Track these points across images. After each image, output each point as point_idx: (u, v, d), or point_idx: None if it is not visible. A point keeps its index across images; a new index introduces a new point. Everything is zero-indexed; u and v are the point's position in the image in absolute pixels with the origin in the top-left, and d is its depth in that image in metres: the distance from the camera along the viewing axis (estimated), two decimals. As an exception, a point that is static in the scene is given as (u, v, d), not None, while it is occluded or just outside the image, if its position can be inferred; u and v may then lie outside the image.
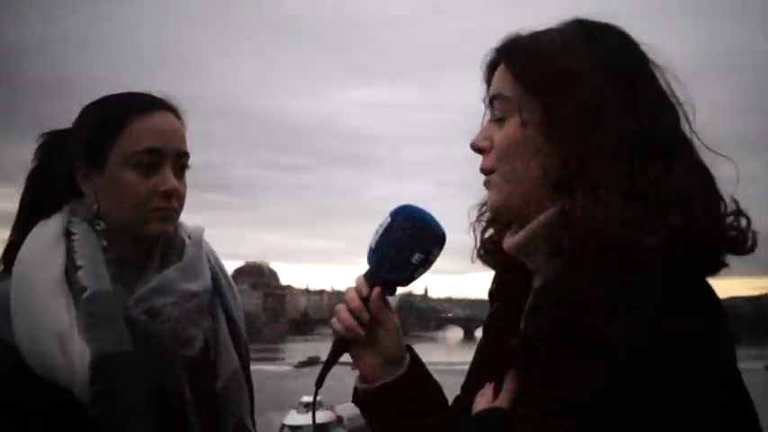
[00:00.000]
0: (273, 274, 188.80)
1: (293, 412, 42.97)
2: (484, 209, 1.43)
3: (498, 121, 1.31)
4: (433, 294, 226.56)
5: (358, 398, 1.45)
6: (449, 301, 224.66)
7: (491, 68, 1.35)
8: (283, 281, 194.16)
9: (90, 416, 1.60)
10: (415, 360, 1.46)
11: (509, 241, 1.33)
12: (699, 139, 1.26)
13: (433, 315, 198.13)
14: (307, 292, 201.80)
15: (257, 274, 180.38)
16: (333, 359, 1.44)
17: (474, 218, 1.45)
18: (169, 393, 1.69)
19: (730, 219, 1.23)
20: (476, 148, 1.34)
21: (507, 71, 1.30)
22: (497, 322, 1.40)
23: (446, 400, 1.45)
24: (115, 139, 1.73)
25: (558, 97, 1.23)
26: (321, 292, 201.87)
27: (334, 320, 1.42)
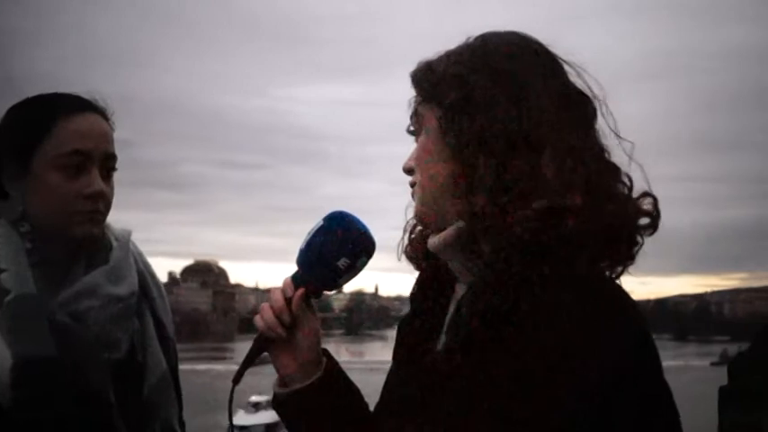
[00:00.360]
0: (223, 273, 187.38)
1: (241, 412, 42.60)
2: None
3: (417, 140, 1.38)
4: (383, 293, 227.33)
5: (276, 402, 1.45)
6: (399, 299, 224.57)
7: None
8: (233, 279, 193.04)
9: (13, 421, 1.57)
10: (331, 364, 1.46)
11: (431, 241, 1.37)
12: (614, 131, 1.31)
13: (383, 314, 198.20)
14: (256, 290, 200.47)
15: (206, 273, 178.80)
16: (252, 356, 1.45)
17: (410, 216, 1.48)
18: (94, 398, 1.67)
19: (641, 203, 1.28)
20: (405, 170, 1.39)
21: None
22: (416, 328, 1.41)
23: (366, 404, 1.45)
24: (41, 140, 1.71)
25: (439, 99, 1.30)
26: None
27: (257, 318, 1.42)
